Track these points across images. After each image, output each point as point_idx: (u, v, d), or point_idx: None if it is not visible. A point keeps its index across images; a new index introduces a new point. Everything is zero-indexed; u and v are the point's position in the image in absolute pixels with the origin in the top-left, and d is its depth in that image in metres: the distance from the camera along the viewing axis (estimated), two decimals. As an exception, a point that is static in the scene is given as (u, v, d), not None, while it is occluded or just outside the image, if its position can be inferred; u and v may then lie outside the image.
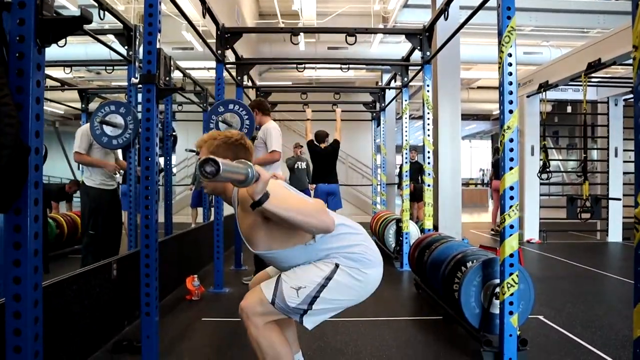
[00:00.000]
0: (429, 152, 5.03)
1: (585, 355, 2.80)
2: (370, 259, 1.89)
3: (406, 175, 5.71)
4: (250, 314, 1.78)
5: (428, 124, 5.06)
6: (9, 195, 1.34)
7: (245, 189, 1.53)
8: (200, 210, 8.75)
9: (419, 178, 8.90)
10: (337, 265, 1.82)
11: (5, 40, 1.35)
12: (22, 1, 1.37)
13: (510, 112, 2.65)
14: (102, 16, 3.56)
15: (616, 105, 8.09)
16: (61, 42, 2.10)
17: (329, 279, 1.80)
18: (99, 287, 2.92)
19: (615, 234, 7.99)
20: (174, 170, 12.43)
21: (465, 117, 17.97)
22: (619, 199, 7.84)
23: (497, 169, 9.13)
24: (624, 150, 8.12)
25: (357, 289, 1.87)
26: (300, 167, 7.28)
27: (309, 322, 1.83)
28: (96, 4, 3.55)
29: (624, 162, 8.19)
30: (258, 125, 4.61)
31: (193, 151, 9.13)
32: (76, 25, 1.41)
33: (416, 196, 8.47)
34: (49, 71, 5.75)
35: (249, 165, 1.42)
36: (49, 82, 6.76)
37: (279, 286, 1.79)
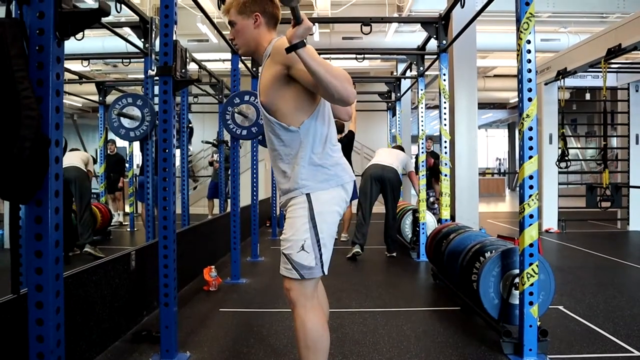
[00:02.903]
0: (445, 141, 4.98)
1: (608, 346, 2.76)
2: (341, 175, 1.89)
3: (422, 165, 5.66)
4: (297, 297, 1.81)
5: (445, 113, 5.01)
6: (30, 186, 1.35)
7: (286, 33, 1.55)
8: (216, 201, 8.81)
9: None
10: (308, 196, 1.82)
11: (25, 33, 1.36)
12: (41, -6, 1.37)
13: (530, 99, 2.61)
14: (118, 9, 3.58)
15: (637, 91, 7.93)
16: (79, 36, 2.12)
17: (312, 217, 1.81)
18: (118, 277, 2.95)
19: (636, 223, 7.86)
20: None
21: (482, 105, 17.72)
22: (641, 187, 7.71)
23: None
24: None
25: (340, 202, 1.89)
26: None
27: (326, 263, 1.85)
28: (112, -3, 3.56)
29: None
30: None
31: (209, 142, 9.19)
32: (95, 17, 1.41)
33: (434, 173, 8.64)
34: (66, 64, 5.81)
35: None
36: (67, 76, 6.84)
37: (291, 260, 1.80)
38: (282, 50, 1.61)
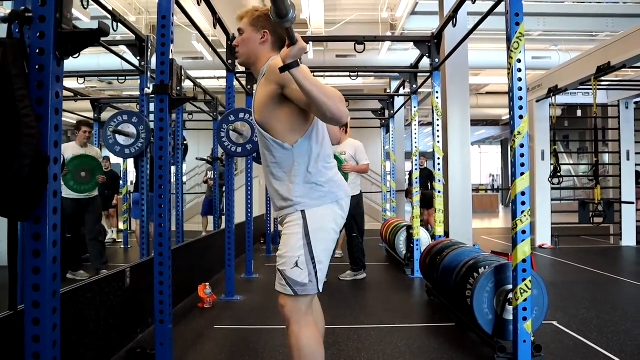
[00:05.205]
0: (439, 158, 5.02)
1: (601, 361, 2.78)
2: (335, 192, 1.90)
3: (416, 182, 5.70)
4: (290, 313, 1.82)
5: (437, 131, 5.06)
6: (29, 203, 1.37)
7: (280, 53, 1.57)
8: (210, 218, 8.79)
9: (429, 185, 8.89)
10: (303, 213, 1.84)
11: (26, 53, 1.39)
12: (43, 15, 1.40)
13: (521, 117, 2.66)
14: (115, 27, 3.62)
15: (627, 108, 8.05)
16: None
17: (307, 235, 1.82)
18: (113, 295, 2.94)
19: (629, 238, 7.92)
20: (185, 179, 12.54)
21: (475, 122, 17.90)
22: (632, 203, 7.78)
23: None
24: (636, 154, 8.07)
25: (336, 218, 1.89)
26: None
27: (321, 280, 1.85)
28: (109, 16, 3.61)
29: (637, 165, 8.14)
30: (337, 143, 5.14)
31: (204, 159, 9.20)
32: (94, 38, 1.45)
33: (425, 203, 8.46)
34: (61, 82, 5.86)
35: (294, 7, 1.39)
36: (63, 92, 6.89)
37: (285, 277, 1.81)
38: (276, 70, 1.63)
